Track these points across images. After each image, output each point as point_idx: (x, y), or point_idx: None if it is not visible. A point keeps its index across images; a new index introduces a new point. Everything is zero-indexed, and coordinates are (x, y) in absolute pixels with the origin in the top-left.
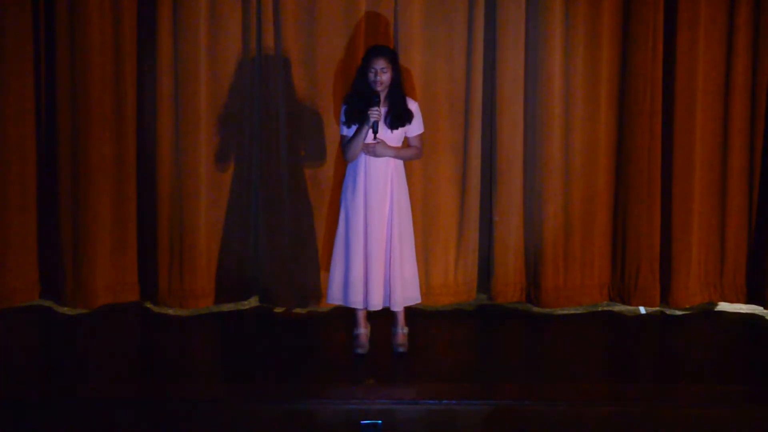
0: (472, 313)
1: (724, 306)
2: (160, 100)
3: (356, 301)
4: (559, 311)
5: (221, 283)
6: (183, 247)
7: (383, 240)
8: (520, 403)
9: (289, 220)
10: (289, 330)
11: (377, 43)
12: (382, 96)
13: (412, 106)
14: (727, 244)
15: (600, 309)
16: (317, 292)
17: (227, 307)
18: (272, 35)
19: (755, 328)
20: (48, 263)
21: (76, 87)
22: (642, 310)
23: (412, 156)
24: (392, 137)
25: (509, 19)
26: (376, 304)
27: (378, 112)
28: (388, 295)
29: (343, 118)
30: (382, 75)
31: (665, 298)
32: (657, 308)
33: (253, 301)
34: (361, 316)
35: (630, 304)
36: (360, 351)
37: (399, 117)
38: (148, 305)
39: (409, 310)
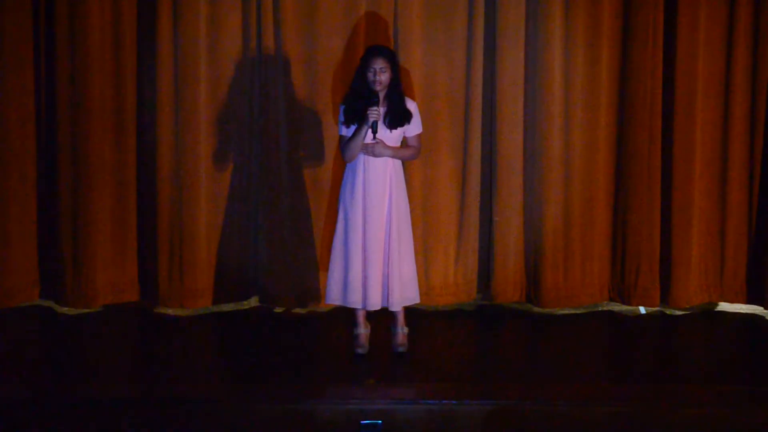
0: (472, 313)
1: (724, 306)
2: (160, 100)
3: (355, 301)
4: (559, 311)
5: (221, 283)
6: (183, 247)
7: (382, 240)
8: (520, 403)
9: (289, 220)
10: (289, 330)
11: (377, 43)
12: (381, 96)
13: (411, 105)
14: (727, 244)
15: (600, 309)
16: (317, 292)
17: (227, 307)
18: (272, 35)
19: (755, 328)
20: (48, 263)
21: (76, 87)
22: (642, 310)
23: (410, 156)
24: (391, 137)
25: (509, 19)
26: (375, 303)
27: (377, 112)
28: (386, 295)
29: (342, 118)
30: (381, 75)
31: (665, 298)
32: (657, 308)
33: (253, 301)
34: (361, 316)
35: (630, 304)
36: (360, 351)
37: (398, 117)
38: (148, 305)
39: (409, 310)
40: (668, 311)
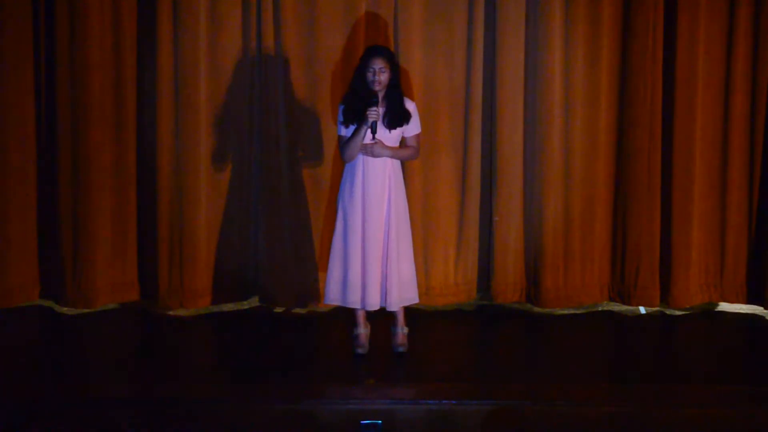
0: (472, 313)
1: (724, 306)
2: (160, 100)
3: (354, 301)
4: (559, 311)
5: (221, 283)
6: (183, 247)
7: (381, 240)
8: (520, 403)
9: (289, 220)
10: (289, 330)
11: (377, 43)
12: (380, 96)
13: (410, 106)
14: (727, 244)
15: (600, 309)
16: (317, 292)
17: (227, 307)
18: (272, 35)
19: (755, 328)
20: (48, 263)
21: (76, 87)
22: (642, 310)
23: (409, 156)
24: (390, 137)
25: (509, 19)
26: (374, 304)
27: (376, 113)
28: (385, 295)
29: (341, 119)
30: (380, 75)
31: (665, 298)
32: (657, 308)
33: (253, 301)
34: (361, 316)
35: (630, 304)
36: (360, 351)
37: (397, 117)
38: (148, 305)
39: (409, 310)
40: (668, 311)
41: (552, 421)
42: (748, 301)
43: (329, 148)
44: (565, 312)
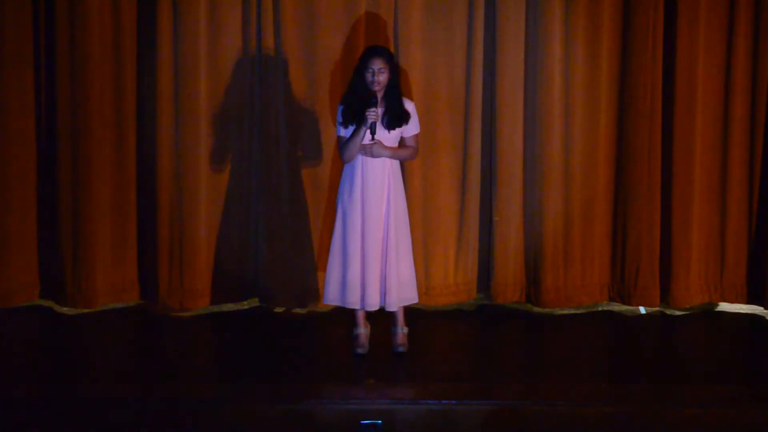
0: (472, 313)
1: (724, 306)
2: (160, 100)
3: (353, 302)
4: (559, 311)
5: (221, 283)
6: (183, 247)
7: (380, 240)
8: (520, 403)
9: (289, 220)
10: (288, 330)
11: (377, 43)
12: (379, 96)
13: (409, 106)
14: (727, 244)
15: (600, 309)
16: (317, 292)
17: (227, 307)
18: (272, 35)
19: (755, 328)
20: (48, 263)
21: (76, 87)
22: (642, 310)
23: (408, 156)
24: (389, 137)
25: (509, 19)
26: (373, 304)
27: (375, 113)
28: (384, 295)
29: (340, 119)
30: (379, 75)
31: (665, 298)
32: (657, 308)
33: (253, 301)
34: (361, 316)
35: (630, 304)
36: (360, 351)
37: (396, 117)
38: (148, 305)
39: (409, 310)
40: (668, 311)
41: (552, 421)
42: (748, 301)
43: (329, 148)
44: (565, 312)
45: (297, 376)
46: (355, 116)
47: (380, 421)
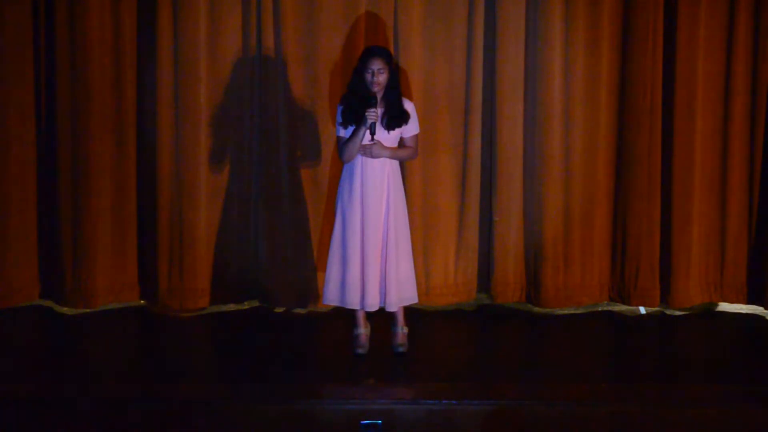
0: (472, 313)
1: (724, 306)
2: (160, 100)
3: (353, 302)
4: (559, 311)
5: (221, 283)
6: (183, 247)
7: (379, 240)
8: (520, 403)
9: (289, 220)
10: (289, 330)
11: (377, 43)
12: (379, 97)
13: (408, 106)
14: (727, 243)
15: (600, 309)
16: (317, 292)
17: (227, 307)
18: (272, 35)
19: (755, 328)
20: (48, 263)
21: (76, 87)
22: (642, 310)
23: (408, 156)
24: (388, 138)
25: (509, 19)
26: (373, 304)
27: (375, 114)
28: (383, 295)
29: (339, 119)
30: (379, 76)
31: (665, 298)
32: (657, 308)
33: (252, 301)
34: (361, 316)
35: (630, 304)
36: (360, 351)
37: (396, 118)
38: (148, 305)
39: (409, 310)
40: (668, 311)
41: (552, 421)
42: (748, 301)
43: (328, 148)
44: (565, 312)
45: (297, 376)
46: (354, 117)
47: (380, 421)
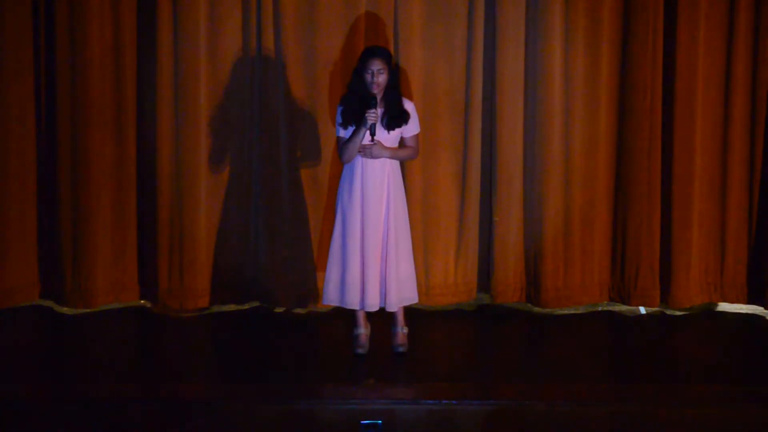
0: (472, 313)
1: (724, 306)
2: (160, 100)
3: (353, 302)
4: (559, 311)
5: (221, 283)
6: (183, 247)
7: (379, 240)
8: (520, 403)
9: (289, 220)
10: (288, 330)
11: (377, 43)
12: (378, 97)
13: (408, 106)
14: (727, 243)
15: (600, 309)
16: (317, 292)
17: (227, 307)
18: (272, 35)
19: (755, 328)
20: (48, 263)
21: (76, 87)
22: (642, 310)
23: (408, 156)
24: (388, 138)
25: (509, 18)
26: (373, 304)
27: (375, 114)
28: (384, 295)
29: (339, 120)
30: (378, 77)
31: (665, 298)
32: (657, 308)
33: (253, 302)
34: (361, 316)
35: (630, 304)
36: (360, 351)
37: (396, 118)
38: (148, 305)
39: (409, 310)
40: (668, 311)
41: (552, 421)
42: (748, 301)
43: (328, 148)
44: (565, 312)
45: (297, 376)
46: (354, 117)
47: (380, 421)
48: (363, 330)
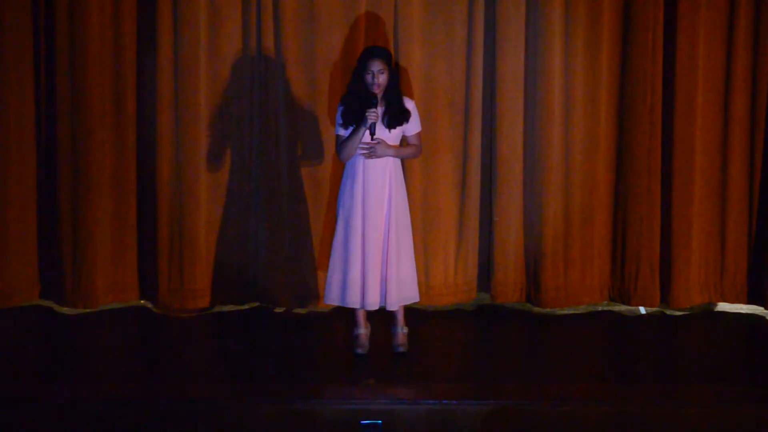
0: (472, 313)
1: (724, 306)
2: (160, 100)
3: (354, 302)
4: (559, 311)
5: (221, 283)
6: (183, 247)
7: (381, 240)
8: (520, 403)
9: (289, 220)
10: (288, 330)
11: (377, 43)
12: (379, 96)
13: (409, 104)
14: (727, 244)
15: (600, 309)
16: (317, 292)
17: (227, 307)
18: (272, 35)
19: (755, 328)
20: (48, 263)
21: (76, 88)
22: (642, 310)
23: (412, 154)
24: (390, 136)
25: (509, 19)
26: (373, 303)
27: (375, 114)
28: (384, 294)
29: (340, 120)
30: (379, 77)
31: (665, 298)
32: (657, 308)
33: (253, 302)
34: (361, 316)
35: (630, 304)
36: (360, 351)
37: (396, 116)
38: (148, 305)
39: (409, 310)
40: (668, 311)
41: (552, 421)
42: (748, 301)
43: (329, 148)
44: (565, 312)
45: (297, 376)
46: (355, 117)
47: (380, 421)
48: (363, 330)
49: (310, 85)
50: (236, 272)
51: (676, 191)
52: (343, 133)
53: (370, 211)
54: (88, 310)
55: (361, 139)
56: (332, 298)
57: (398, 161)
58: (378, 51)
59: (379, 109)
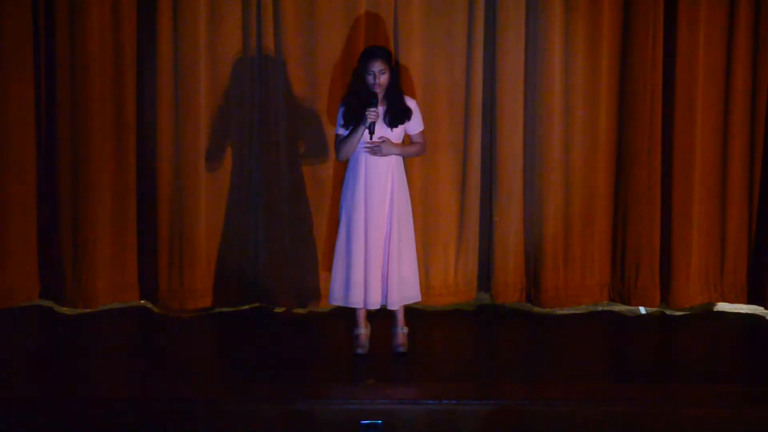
0: (472, 313)
1: (724, 306)
2: (160, 100)
3: (356, 301)
4: (559, 311)
5: (221, 283)
6: (183, 247)
7: (383, 239)
8: (520, 403)
9: (289, 220)
10: (289, 330)
11: (377, 43)
12: (380, 96)
13: (411, 103)
14: (727, 244)
15: (600, 309)
16: (317, 292)
17: (227, 307)
18: (272, 35)
19: (755, 328)
20: (48, 263)
21: (76, 88)
22: (642, 310)
23: (416, 152)
24: (392, 135)
25: (509, 18)
26: (375, 302)
27: (375, 113)
28: (386, 293)
29: (340, 120)
30: (380, 77)
31: (665, 298)
32: (657, 308)
33: (253, 302)
34: (361, 315)
35: (630, 304)
36: (360, 351)
37: (397, 115)
38: (148, 305)
39: (409, 310)
40: (668, 311)
41: (552, 421)
42: (748, 301)
43: (329, 148)
44: (565, 312)
45: (297, 376)
46: (355, 117)
47: (380, 421)
48: (363, 330)
49: (310, 84)
50: (236, 272)
51: (676, 191)
52: (342, 132)
53: (372, 209)
54: (88, 310)
55: (360, 139)
56: (336, 298)
57: (401, 160)
58: (378, 51)
59: (381, 108)
